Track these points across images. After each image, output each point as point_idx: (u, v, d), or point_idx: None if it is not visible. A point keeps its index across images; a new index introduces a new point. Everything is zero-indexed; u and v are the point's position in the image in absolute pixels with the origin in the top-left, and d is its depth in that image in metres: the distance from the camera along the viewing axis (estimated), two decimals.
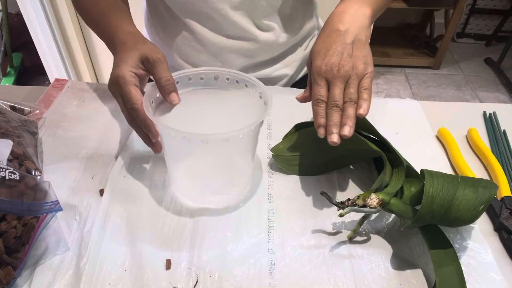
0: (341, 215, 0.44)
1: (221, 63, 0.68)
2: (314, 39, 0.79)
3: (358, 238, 0.47)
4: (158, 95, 0.48)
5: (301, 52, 0.76)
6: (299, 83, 0.82)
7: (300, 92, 0.50)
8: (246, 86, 0.50)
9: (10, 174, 0.39)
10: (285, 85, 0.79)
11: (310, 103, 0.49)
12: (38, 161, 0.50)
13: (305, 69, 0.81)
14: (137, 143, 0.59)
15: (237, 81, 0.50)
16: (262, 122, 0.44)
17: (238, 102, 0.52)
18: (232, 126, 0.48)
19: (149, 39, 0.77)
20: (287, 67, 0.75)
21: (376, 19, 0.58)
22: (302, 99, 0.52)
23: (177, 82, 0.50)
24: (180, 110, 0.52)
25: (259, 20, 0.65)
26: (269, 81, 0.74)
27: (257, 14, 0.64)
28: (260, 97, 0.48)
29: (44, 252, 0.44)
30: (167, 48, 0.71)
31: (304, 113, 0.65)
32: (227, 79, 0.51)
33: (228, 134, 0.41)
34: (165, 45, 0.71)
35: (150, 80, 0.84)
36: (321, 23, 0.82)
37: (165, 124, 0.42)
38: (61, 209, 0.42)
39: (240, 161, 0.51)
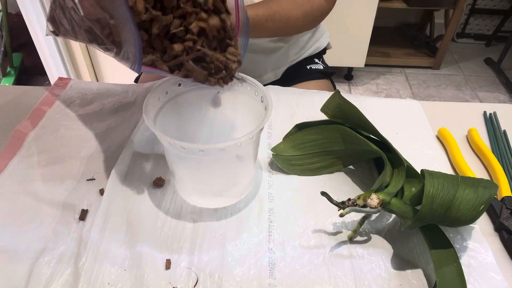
0: (341, 215, 0.44)
1: None
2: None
3: (358, 238, 0.47)
4: (158, 98, 0.48)
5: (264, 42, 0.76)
6: (286, 79, 0.81)
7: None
8: (248, 88, 0.50)
9: None
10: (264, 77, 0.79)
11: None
12: None
13: (286, 66, 0.81)
14: (138, 142, 0.59)
15: (240, 83, 0.50)
16: (262, 129, 0.44)
17: (239, 104, 0.52)
18: (233, 128, 0.47)
19: None
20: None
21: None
22: None
23: (179, 85, 0.50)
24: (182, 111, 0.52)
25: None
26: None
27: None
28: (262, 101, 0.48)
29: (42, 250, 0.44)
30: None
31: (304, 113, 0.65)
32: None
33: (225, 144, 0.41)
34: None
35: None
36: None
37: (163, 134, 0.41)
38: None
39: (241, 164, 0.51)
